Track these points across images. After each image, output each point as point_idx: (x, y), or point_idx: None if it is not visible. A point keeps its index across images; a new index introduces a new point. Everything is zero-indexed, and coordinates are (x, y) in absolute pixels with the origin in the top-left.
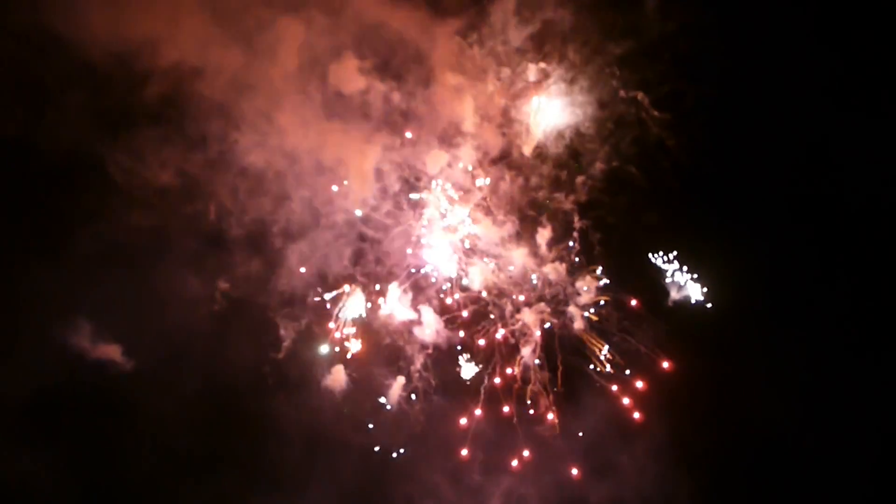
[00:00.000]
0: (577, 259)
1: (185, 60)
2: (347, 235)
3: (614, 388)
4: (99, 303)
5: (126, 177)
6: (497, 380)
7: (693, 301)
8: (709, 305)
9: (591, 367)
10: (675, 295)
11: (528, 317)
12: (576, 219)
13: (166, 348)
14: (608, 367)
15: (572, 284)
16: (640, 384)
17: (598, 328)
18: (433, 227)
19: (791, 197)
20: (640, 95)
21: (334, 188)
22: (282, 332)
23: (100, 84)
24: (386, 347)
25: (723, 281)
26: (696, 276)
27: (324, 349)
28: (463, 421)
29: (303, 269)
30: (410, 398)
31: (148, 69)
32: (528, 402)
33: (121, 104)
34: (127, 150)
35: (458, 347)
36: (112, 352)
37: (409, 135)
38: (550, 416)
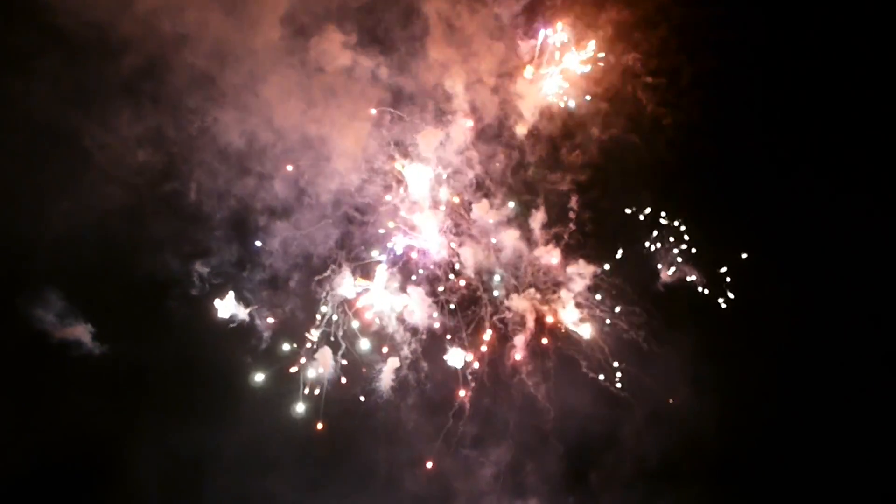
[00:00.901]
0: (568, 238)
1: (163, 28)
2: (332, 216)
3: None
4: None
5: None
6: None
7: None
8: (720, 302)
9: (583, 357)
10: (665, 277)
11: (519, 303)
12: (572, 200)
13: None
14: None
15: (565, 270)
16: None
17: (591, 315)
18: (423, 208)
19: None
20: (630, 59)
21: (288, 168)
22: (257, 322)
23: (73, 53)
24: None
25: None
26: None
27: (299, 408)
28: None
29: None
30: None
31: (124, 38)
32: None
33: (95, 74)
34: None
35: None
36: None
37: (373, 112)
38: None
